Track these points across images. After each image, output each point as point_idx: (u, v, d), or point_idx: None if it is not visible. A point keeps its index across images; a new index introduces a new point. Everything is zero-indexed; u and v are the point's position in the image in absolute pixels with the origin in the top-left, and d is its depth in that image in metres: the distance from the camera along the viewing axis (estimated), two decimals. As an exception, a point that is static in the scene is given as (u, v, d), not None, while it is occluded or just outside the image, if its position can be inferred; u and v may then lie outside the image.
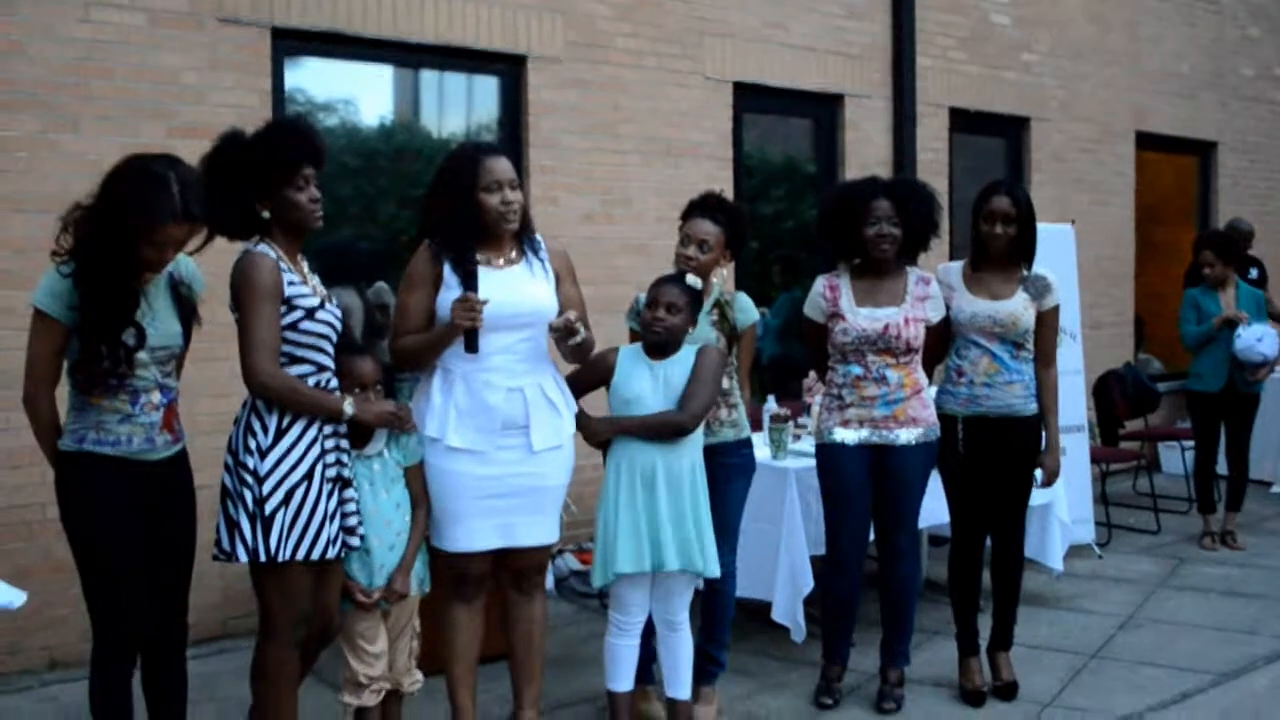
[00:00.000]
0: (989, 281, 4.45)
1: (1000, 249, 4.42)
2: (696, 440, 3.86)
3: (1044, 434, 4.48)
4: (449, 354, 3.59)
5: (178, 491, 3.34)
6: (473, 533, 3.62)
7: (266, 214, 3.35)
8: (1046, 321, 4.46)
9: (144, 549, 3.21)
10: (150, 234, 3.04)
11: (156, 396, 3.22)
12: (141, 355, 3.14)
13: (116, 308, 3.08)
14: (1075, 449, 6.40)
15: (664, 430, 3.77)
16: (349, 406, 3.35)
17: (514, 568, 3.78)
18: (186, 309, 3.34)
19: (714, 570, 3.82)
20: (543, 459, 3.66)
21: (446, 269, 3.58)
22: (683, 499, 3.76)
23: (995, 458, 4.42)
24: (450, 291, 3.56)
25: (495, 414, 3.57)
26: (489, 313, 3.47)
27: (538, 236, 3.81)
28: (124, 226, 3.01)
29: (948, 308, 4.44)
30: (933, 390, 4.53)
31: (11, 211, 4.77)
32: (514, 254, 3.70)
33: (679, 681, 3.96)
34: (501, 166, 3.61)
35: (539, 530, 3.72)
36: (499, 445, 3.59)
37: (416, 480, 3.60)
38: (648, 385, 3.83)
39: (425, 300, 3.61)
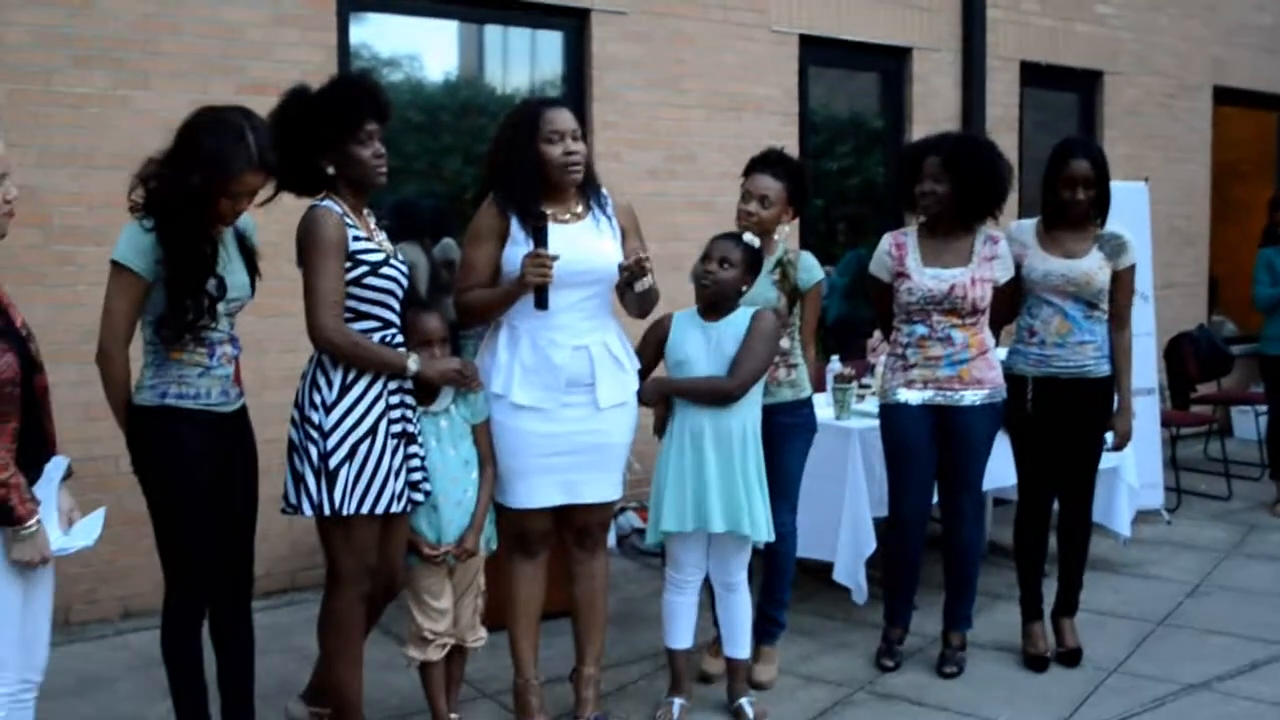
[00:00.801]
0: (1063, 239, 4.37)
1: (1079, 213, 4.34)
2: (750, 402, 3.81)
3: (1116, 396, 4.41)
4: (515, 311, 3.59)
5: (243, 442, 3.38)
6: (535, 489, 3.63)
7: (331, 170, 3.35)
8: (1122, 281, 4.37)
9: (213, 500, 3.25)
10: (228, 184, 3.06)
11: (229, 349, 3.26)
12: (219, 306, 3.18)
13: (201, 258, 3.10)
14: (1145, 412, 6.27)
15: (710, 396, 3.75)
16: (413, 363, 3.36)
17: (577, 524, 3.79)
18: (252, 260, 3.37)
19: (761, 534, 3.78)
20: (607, 416, 3.65)
21: (513, 223, 3.57)
22: (731, 460, 3.73)
23: (1065, 419, 4.35)
24: (517, 246, 3.55)
25: (560, 372, 3.57)
26: (555, 269, 3.46)
27: (603, 191, 3.79)
28: (202, 177, 3.03)
29: (1019, 266, 4.37)
30: (1001, 351, 4.47)
31: (84, 168, 4.83)
32: (580, 209, 3.68)
33: (737, 641, 3.97)
34: (563, 117, 3.59)
35: (602, 487, 3.72)
36: (564, 402, 3.59)
37: (484, 438, 3.61)
38: (700, 348, 3.80)
39: (491, 255, 3.60)
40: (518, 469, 3.62)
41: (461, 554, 3.56)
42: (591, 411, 3.63)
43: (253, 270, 3.36)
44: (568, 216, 3.63)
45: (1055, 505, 4.58)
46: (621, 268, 3.59)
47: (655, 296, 3.72)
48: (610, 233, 3.70)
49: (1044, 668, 4.45)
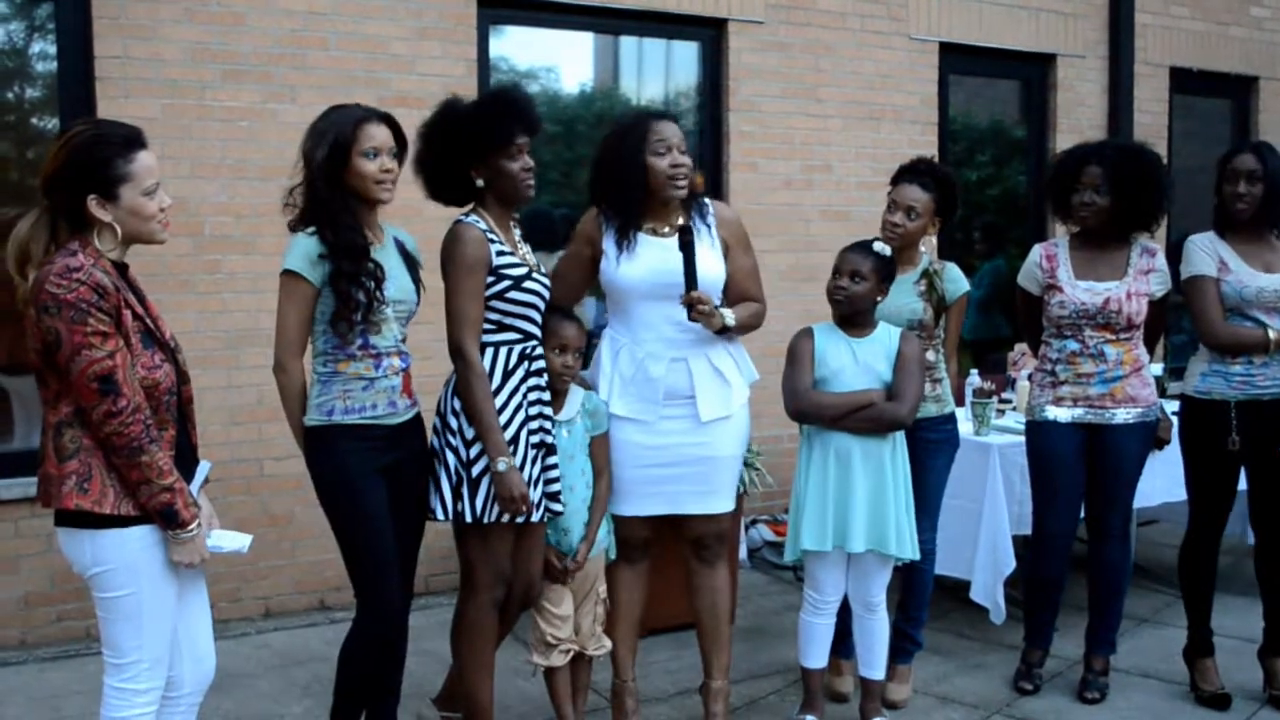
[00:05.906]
0: (1259, 253, 4.13)
1: (1247, 211, 4.07)
2: None
3: None
4: (614, 322, 3.63)
5: (414, 454, 3.38)
6: (635, 498, 3.65)
7: (480, 182, 3.39)
8: None
9: (390, 511, 3.26)
10: (354, 137, 3.14)
11: (397, 361, 3.27)
12: (385, 310, 3.20)
13: (357, 236, 3.15)
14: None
15: (890, 428, 3.68)
16: (501, 464, 3.28)
17: (690, 536, 3.77)
18: (414, 268, 3.41)
19: (906, 553, 3.71)
20: (712, 429, 3.62)
21: (606, 239, 3.59)
22: (883, 480, 3.66)
23: (1266, 445, 4.09)
24: (608, 261, 3.57)
25: (657, 384, 3.56)
26: (649, 282, 3.47)
27: (706, 202, 3.73)
28: (331, 144, 3.13)
29: (1218, 281, 4.10)
30: (1156, 368, 4.29)
31: (235, 179, 4.98)
32: (679, 222, 3.62)
33: (873, 662, 3.90)
34: (671, 129, 3.55)
35: (708, 499, 3.69)
36: (663, 415, 3.58)
37: (601, 450, 3.62)
38: (848, 362, 3.73)
39: (583, 266, 3.64)
40: (619, 478, 3.64)
41: (573, 565, 3.60)
42: (693, 425, 3.60)
43: (416, 280, 3.40)
44: (666, 229, 3.59)
45: (1254, 537, 4.33)
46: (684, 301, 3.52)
47: (750, 314, 3.67)
48: (709, 244, 3.64)
49: (1226, 705, 4.19)
